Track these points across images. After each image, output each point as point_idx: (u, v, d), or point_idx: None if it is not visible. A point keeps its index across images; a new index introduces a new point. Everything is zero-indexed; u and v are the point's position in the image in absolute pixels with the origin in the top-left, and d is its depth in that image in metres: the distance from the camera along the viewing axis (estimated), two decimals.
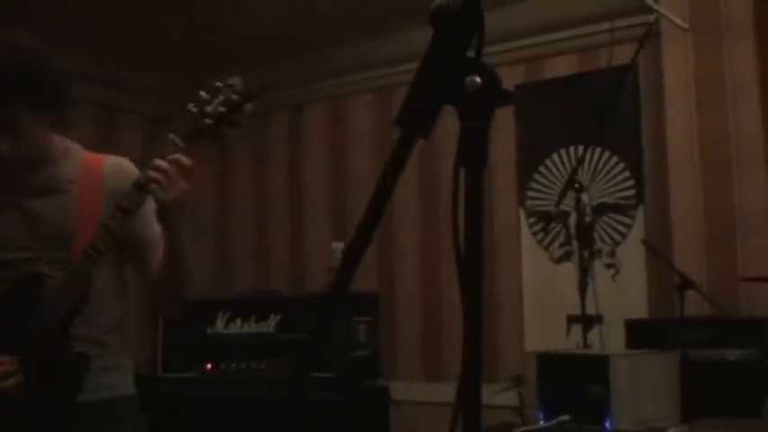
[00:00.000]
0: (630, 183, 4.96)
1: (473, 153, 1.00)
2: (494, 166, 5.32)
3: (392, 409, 4.50)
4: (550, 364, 3.44)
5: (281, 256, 6.47)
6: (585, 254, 4.29)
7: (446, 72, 0.98)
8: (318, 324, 4.16)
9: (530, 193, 5.32)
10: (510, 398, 4.16)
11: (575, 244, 4.95)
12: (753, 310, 4.18)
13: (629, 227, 4.95)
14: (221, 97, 1.96)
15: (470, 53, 0.99)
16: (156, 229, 2.09)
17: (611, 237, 5.00)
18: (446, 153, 5.24)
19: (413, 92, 1.01)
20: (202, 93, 1.98)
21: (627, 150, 4.98)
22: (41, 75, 2.02)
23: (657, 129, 4.77)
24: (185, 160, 1.96)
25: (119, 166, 2.16)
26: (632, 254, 4.87)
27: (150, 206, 2.02)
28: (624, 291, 4.85)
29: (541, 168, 5.28)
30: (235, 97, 1.96)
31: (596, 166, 5.04)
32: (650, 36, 4.29)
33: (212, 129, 1.96)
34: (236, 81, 1.98)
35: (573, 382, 3.33)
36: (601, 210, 5.00)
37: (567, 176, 4.49)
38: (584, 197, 4.39)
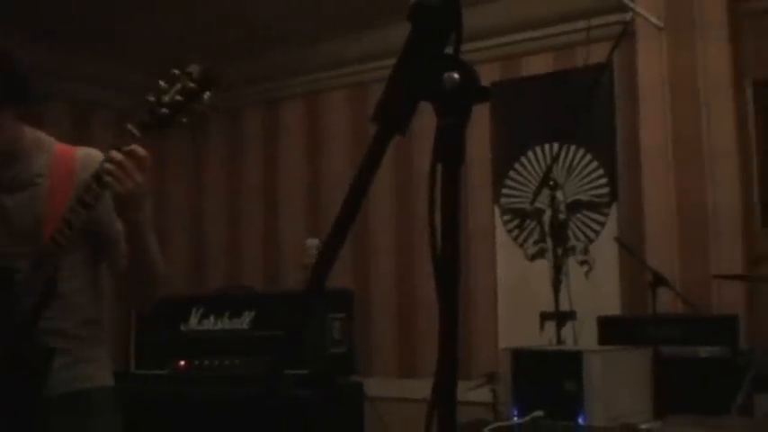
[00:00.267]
0: (604, 181, 4.99)
1: (450, 150, 1.00)
2: (469, 163, 5.30)
3: (367, 405, 4.50)
4: (524, 360, 3.45)
5: (255, 253, 6.45)
6: (559, 251, 4.31)
7: (424, 68, 0.98)
8: (293, 321, 4.15)
9: (505, 191, 5.33)
10: (484, 394, 4.17)
11: (549, 241, 4.97)
12: (724, 308, 4.22)
13: (602, 224, 4.98)
14: (178, 86, 1.93)
15: (448, 50, 0.98)
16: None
17: (584, 234, 5.03)
18: (422, 150, 5.25)
19: (389, 88, 1.01)
20: (161, 82, 1.95)
21: (601, 148, 5.01)
22: (9, 69, 1.99)
23: (631, 127, 4.80)
24: (141, 151, 1.93)
25: (90, 158, 2.12)
26: (605, 251, 4.89)
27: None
28: (597, 288, 4.87)
29: (516, 166, 5.29)
30: (192, 85, 1.93)
31: (571, 164, 5.07)
32: (626, 35, 4.32)
33: (169, 118, 1.93)
34: (193, 69, 1.94)
35: (546, 378, 3.35)
36: (575, 207, 5.03)
37: (541, 174, 4.50)
38: (559, 195, 4.41)
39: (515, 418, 3.34)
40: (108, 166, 1.92)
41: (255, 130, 6.56)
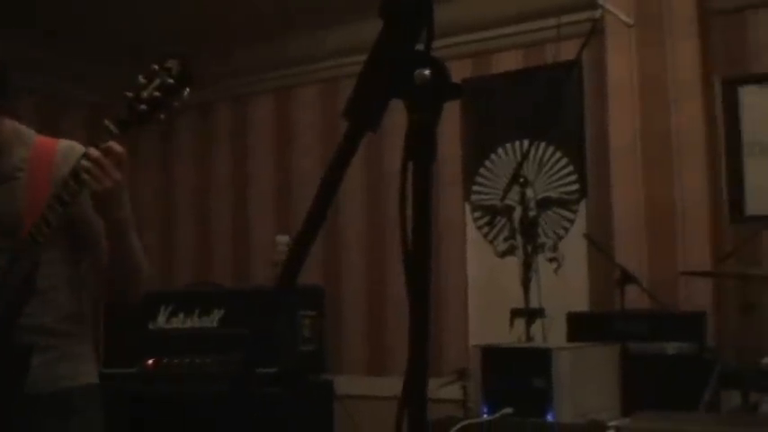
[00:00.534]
0: (574, 178, 5.02)
1: (421, 147, 0.99)
2: (439, 160, 5.29)
3: (337, 403, 4.49)
4: (494, 357, 3.46)
5: (225, 251, 6.41)
6: (529, 248, 4.32)
7: (395, 65, 0.97)
8: (263, 318, 4.13)
9: (475, 188, 5.35)
10: (453, 391, 4.18)
11: (519, 238, 4.99)
12: (692, 305, 4.26)
13: (571, 221, 5.01)
14: (157, 81, 1.91)
15: (419, 46, 0.98)
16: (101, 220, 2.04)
17: (554, 231, 5.05)
18: (393, 146, 5.24)
19: (361, 84, 1.00)
20: (140, 77, 1.93)
21: (571, 145, 5.04)
22: None
23: (601, 124, 4.83)
24: (118, 148, 1.91)
25: (72, 151, 2.08)
26: (575, 248, 4.93)
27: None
28: (566, 284, 4.90)
29: (487, 163, 5.31)
30: (170, 81, 1.91)
31: (541, 161, 5.09)
32: (595, 32, 4.34)
33: (147, 114, 1.91)
34: (172, 64, 1.92)
35: (516, 375, 3.36)
36: (545, 204, 5.05)
37: (512, 171, 4.51)
38: (529, 192, 4.42)
39: (485, 416, 3.34)
40: (85, 163, 1.89)
41: (225, 126, 6.52)
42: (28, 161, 2.08)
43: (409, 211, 1.00)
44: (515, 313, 4.29)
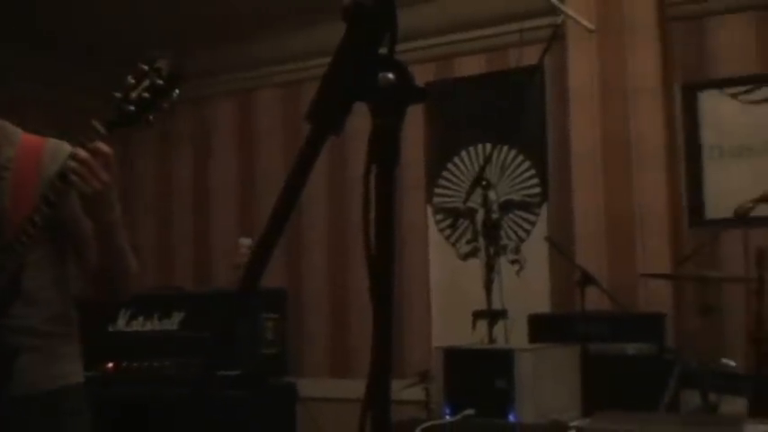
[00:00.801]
0: (535, 181, 5.06)
1: (385, 151, 0.99)
2: (402, 163, 5.31)
3: (299, 406, 4.48)
4: (456, 359, 3.47)
5: (186, 253, 6.36)
6: (492, 250, 4.34)
7: (359, 68, 0.98)
8: (224, 321, 4.11)
9: (438, 190, 5.36)
10: (416, 393, 4.18)
11: (481, 240, 5.01)
12: (651, 306, 4.31)
13: (533, 224, 5.05)
14: (146, 82, 1.89)
15: (383, 50, 0.98)
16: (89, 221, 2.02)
17: (516, 233, 5.09)
18: (356, 150, 5.24)
19: (324, 87, 1.00)
20: (129, 77, 1.91)
21: (533, 149, 5.08)
22: None
23: (562, 128, 4.87)
24: (105, 149, 1.89)
25: (61, 151, 2.04)
26: (536, 250, 4.96)
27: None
28: (528, 286, 4.94)
29: (449, 166, 5.33)
30: (159, 82, 1.89)
31: (503, 164, 5.12)
32: (557, 38, 4.38)
33: (135, 115, 1.89)
34: (162, 65, 1.91)
35: (478, 376, 3.37)
36: (507, 207, 5.08)
37: (474, 174, 4.54)
38: (492, 194, 4.45)
39: (447, 417, 3.36)
40: (72, 164, 1.86)
41: (186, 129, 6.47)
42: (14, 161, 2.04)
43: (372, 215, 1.00)
44: (478, 315, 4.31)
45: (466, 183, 5.10)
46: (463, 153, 5.29)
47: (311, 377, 5.44)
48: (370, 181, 0.99)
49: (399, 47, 1.00)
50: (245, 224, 6.01)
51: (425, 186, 5.39)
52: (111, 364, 4.41)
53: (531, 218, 5.06)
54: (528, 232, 5.06)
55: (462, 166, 5.28)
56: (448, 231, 5.30)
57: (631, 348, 3.97)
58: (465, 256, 5.22)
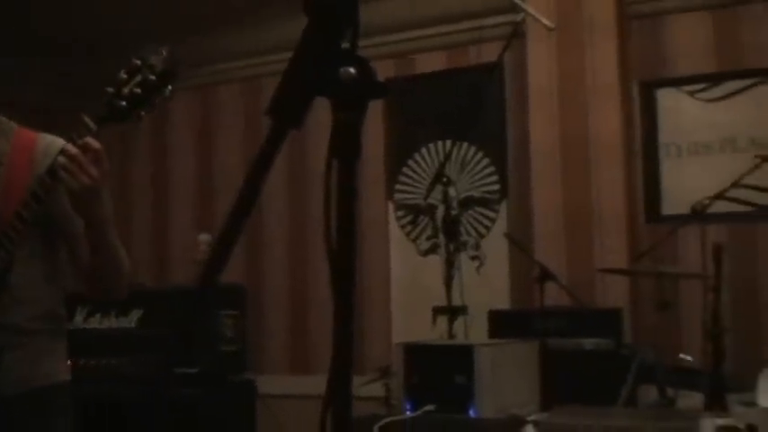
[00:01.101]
0: (495, 178, 5.09)
1: (346, 145, 0.99)
2: (362, 159, 5.32)
3: (259, 403, 4.46)
4: (416, 354, 3.48)
5: (144, 250, 6.29)
6: (452, 246, 4.36)
7: (320, 63, 0.97)
8: (183, 318, 4.08)
9: (398, 187, 5.37)
10: (376, 389, 4.19)
11: (441, 237, 5.03)
12: (609, 302, 4.36)
13: (493, 220, 5.08)
14: (139, 78, 1.86)
15: (345, 45, 0.98)
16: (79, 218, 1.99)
17: (476, 230, 5.11)
18: (316, 145, 5.23)
19: (285, 82, 0.99)
20: (121, 72, 1.88)
21: (492, 146, 5.10)
22: None
23: (522, 126, 4.90)
24: (96, 144, 1.86)
25: (54, 146, 1.99)
26: (496, 247, 4.99)
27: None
28: (488, 282, 4.96)
29: (410, 162, 5.34)
30: (152, 78, 1.86)
31: (463, 161, 5.14)
32: (517, 35, 4.40)
33: (126, 111, 1.87)
34: (156, 60, 1.88)
35: (438, 372, 3.38)
36: (467, 203, 5.10)
37: (434, 170, 4.55)
38: (452, 191, 4.46)
39: (408, 413, 3.36)
40: (61, 159, 1.83)
41: (144, 125, 6.35)
42: (7, 155, 2.00)
43: (334, 210, 1.00)
44: (438, 311, 4.32)
45: (426, 179, 5.11)
46: (423, 150, 5.30)
47: (271, 374, 5.42)
48: (332, 176, 0.99)
49: (359, 42, 0.99)
50: (203, 220, 5.96)
51: (386, 182, 5.39)
52: (68, 362, 4.35)
53: (491, 214, 5.08)
54: (488, 229, 5.09)
55: (423, 163, 5.29)
56: (408, 228, 5.31)
57: (589, 344, 4.01)
58: (425, 253, 5.24)
